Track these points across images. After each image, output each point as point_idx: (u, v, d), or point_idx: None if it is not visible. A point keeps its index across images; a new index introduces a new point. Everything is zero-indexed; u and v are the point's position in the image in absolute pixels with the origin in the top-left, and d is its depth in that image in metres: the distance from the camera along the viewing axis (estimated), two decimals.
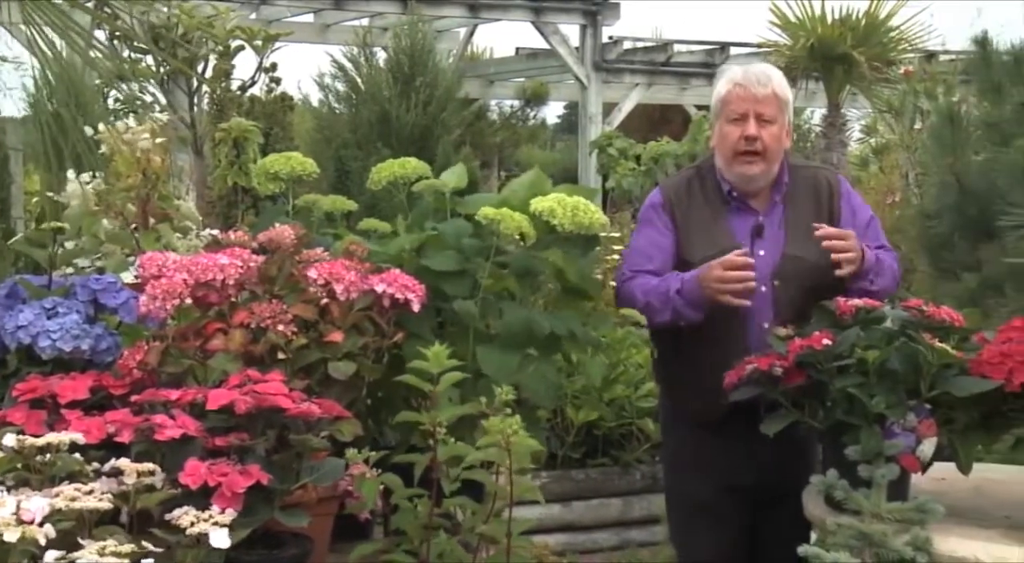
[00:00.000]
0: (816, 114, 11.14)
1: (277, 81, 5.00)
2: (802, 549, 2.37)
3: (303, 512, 2.19)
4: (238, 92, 4.61)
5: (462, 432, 2.40)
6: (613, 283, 3.25)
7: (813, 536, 2.71)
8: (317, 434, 2.25)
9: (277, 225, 2.62)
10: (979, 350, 2.55)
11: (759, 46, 8.68)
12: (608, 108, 14.93)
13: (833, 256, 2.94)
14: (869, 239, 3.14)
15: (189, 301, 2.43)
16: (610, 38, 14.55)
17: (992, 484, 2.81)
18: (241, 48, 4.57)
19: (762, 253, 3.07)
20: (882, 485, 2.43)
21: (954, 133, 4.61)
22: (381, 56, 8.28)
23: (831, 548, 2.36)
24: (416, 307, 2.51)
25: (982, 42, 4.51)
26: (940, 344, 2.52)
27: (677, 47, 15.29)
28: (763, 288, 3.03)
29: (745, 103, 3.07)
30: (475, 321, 2.62)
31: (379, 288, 2.48)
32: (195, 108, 4.66)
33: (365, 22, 12.48)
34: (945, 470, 2.62)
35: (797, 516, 2.76)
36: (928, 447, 2.54)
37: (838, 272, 2.94)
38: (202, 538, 1.96)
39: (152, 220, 3.15)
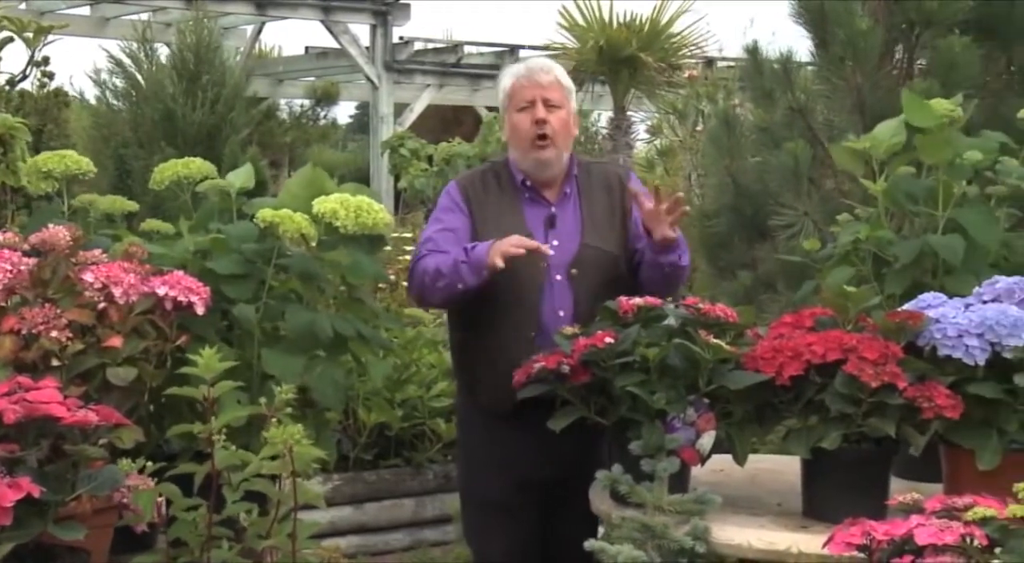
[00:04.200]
0: (603, 117, 11.42)
1: (50, 76, 4.78)
2: (588, 543, 2.41)
3: (79, 524, 2.11)
4: (7, 87, 4.38)
5: (249, 436, 2.36)
6: (406, 283, 3.24)
7: (601, 531, 2.77)
8: (95, 442, 2.17)
9: (51, 226, 2.51)
10: (753, 345, 2.66)
11: (548, 48, 8.83)
12: (400, 108, 14.93)
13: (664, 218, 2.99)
14: None
15: None
16: (401, 39, 14.55)
17: (765, 473, 2.93)
18: (10, 40, 4.35)
19: (556, 243, 3.13)
20: (663, 478, 2.50)
21: (730, 136, 4.79)
22: (163, 52, 8.03)
23: (616, 541, 2.41)
24: (200, 310, 2.45)
25: (753, 51, 4.71)
26: (716, 340, 2.61)
27: (468, 49, 15.42)
28: (558, 277, 3.09)
29: (531, 90, 3.16)
30: (253, 325, 2.58)
31: (161, 291, 2.42)
32: None
33: (146, 17, 12.10)
34: (723, 462, 2.71)
35: (588, 512, 2.81)
36: (707, 440, 2.62)
37: (664, 234, 2.98)
38: None
39: None
